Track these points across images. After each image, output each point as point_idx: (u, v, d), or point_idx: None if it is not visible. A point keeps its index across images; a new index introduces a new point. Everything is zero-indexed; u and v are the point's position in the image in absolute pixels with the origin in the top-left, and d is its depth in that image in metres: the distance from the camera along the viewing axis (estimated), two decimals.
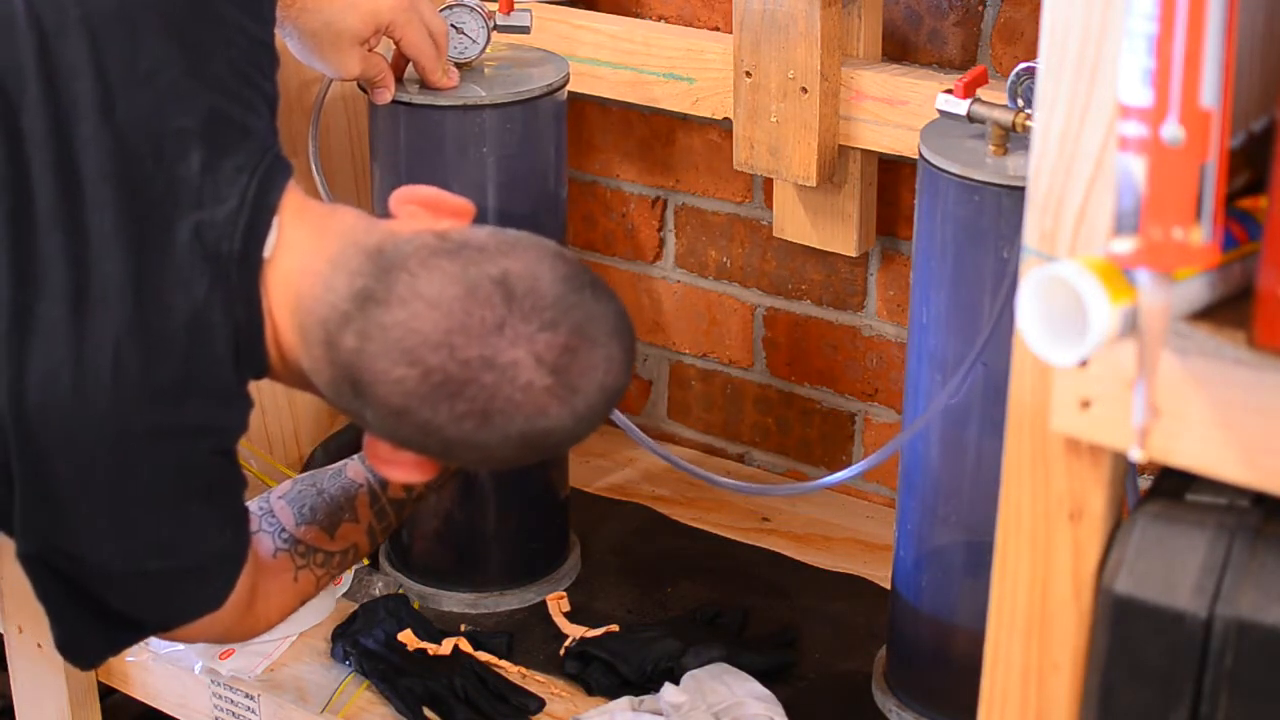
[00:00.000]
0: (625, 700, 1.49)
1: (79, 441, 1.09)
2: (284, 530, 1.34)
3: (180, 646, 1.58)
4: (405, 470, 1.20)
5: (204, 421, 1.14)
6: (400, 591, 1.65)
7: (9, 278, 1.08)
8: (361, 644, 1.56)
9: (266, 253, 1.14)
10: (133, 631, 1.22)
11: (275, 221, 1.15)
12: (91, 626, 1.19)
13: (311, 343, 1.14)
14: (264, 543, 1.34)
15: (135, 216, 1.11)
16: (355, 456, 1.39)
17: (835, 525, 1.80)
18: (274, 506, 1.37)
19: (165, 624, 1.23)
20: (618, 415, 1.45)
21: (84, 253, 1.09)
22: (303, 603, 1.38)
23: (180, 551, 1.17)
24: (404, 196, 1.21)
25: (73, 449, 1.09)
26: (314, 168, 1.57)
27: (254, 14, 1.22)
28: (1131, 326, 0.78)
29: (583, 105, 1.88)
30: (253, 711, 1.54)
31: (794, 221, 1.73)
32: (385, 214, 1.21)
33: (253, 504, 1.37)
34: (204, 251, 1.12)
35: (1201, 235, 0.75)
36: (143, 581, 1.17)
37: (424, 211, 1.19)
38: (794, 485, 1.49)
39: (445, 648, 1.56)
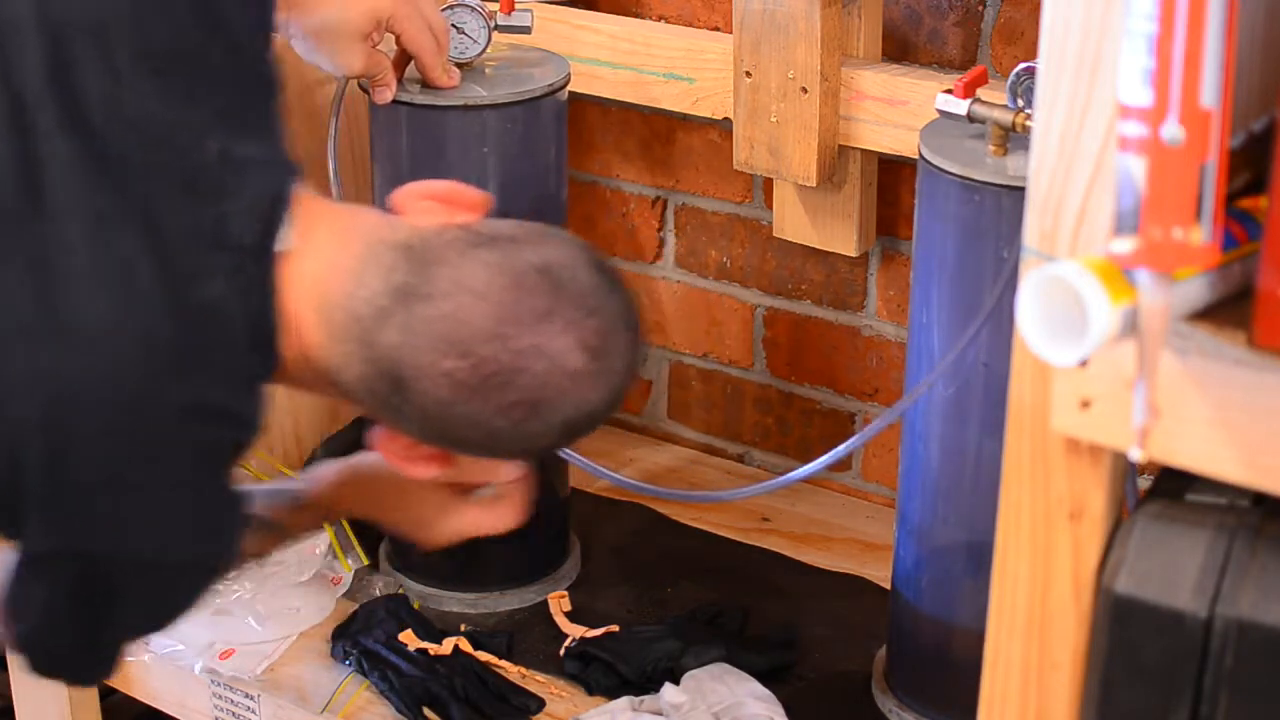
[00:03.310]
0: (625, 700, 1.49)
1: (110, 423, 1.08)
2: None
3: (180, 646, 1.58)
4: (423, 466, 1.22)
5: (226, 404, 1.14)
6: (400, 591, 1.65)
7: (28, 268, 1.08)
8: (361, 644, 1.56)
9: (284, 246, 1.14)
10: (123, 640, 1.22)
11: (290, 215, 1.15)
12: (86, 639, 1.18)
13: (341, 340, 1.14)
14: None
15: (156, 204, 1.11)
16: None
17: (835, 525, 1.80)
18: None
19: (161, 625, 1.22)
20: (581, 460, 1.48)
21: (108, 236, 1.09)
22: None
23: (205, 537, 1.17)
24: (417, 192, 1.22)
25: (104, 431, 1.09)
26: (331, 168, 1.56)
27: (256, 5, 1.23)
28: (1131, 326, 0.78)
29: (583, 105, 1.88)
30: (253, 711, 1.54)
31: (794, 221, 1.73)
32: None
33: None
34: (222, 241, 1.12)
35: (1201, 235, 0.75)
36: (163, 572, 1.16)
37: (440, 206, 1.21)
38: (748, 488, 1.53)
39: (445, 648, 1.56)
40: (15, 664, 1.68)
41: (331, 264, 1.15)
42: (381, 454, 1.23)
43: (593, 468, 1.47)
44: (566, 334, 1.12)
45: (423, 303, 1.12)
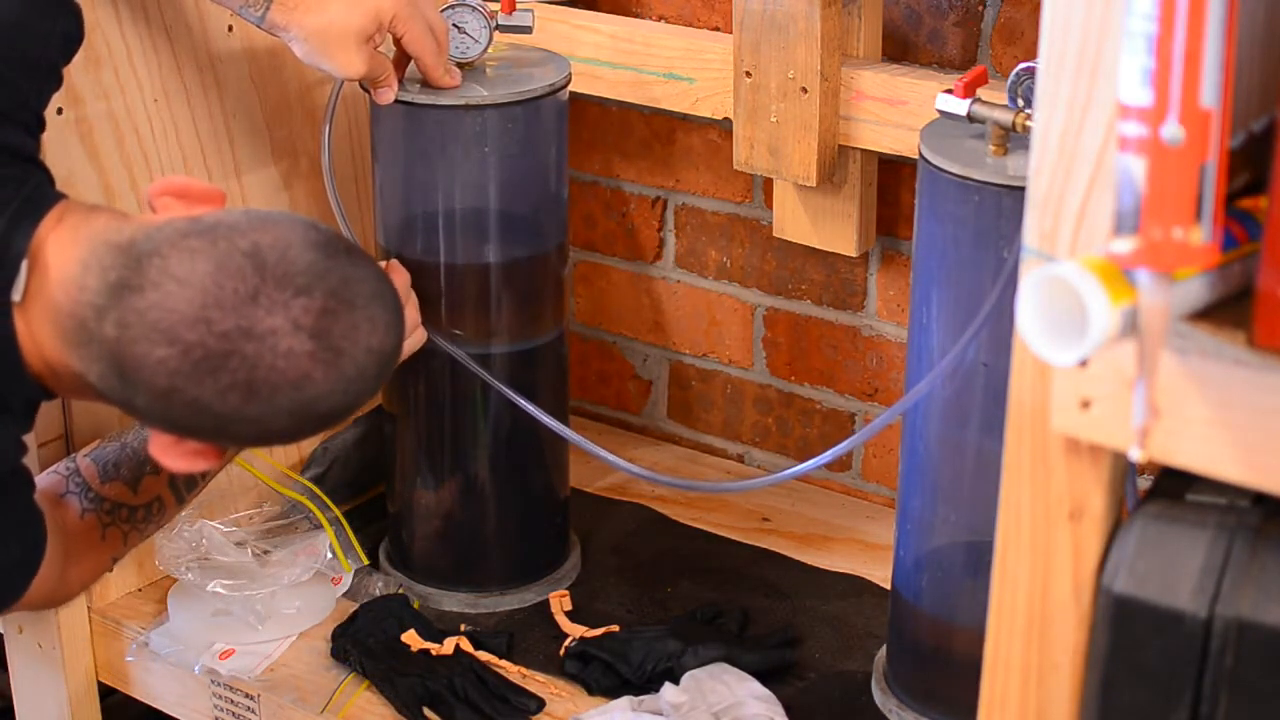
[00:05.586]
0: (625, 700, 1.49)
1: None
2: (90, 490, 1.38)
3: (180, 646, 1.58)
4: (187, 459, 1.22)
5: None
6: (400, 591, 1.65)
7: None
8: (362, 644, 1.56)
9: (15, 297, 1.17)
10: None
11: (24, 266, 1.18)
12: None
13: (74, 344, 1.16)
14: (72, 505, 1.38)
15: None
16: None
17: (835, 525, 1.80)
18: (80, 465, 1.41)
19: None
20: (592, 446, 1.48)
21: None
22: (115, 560, 1.43)
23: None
24: (157, 189, 1.23)
25: None
26: (325, 172, 1.56)
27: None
28: (1131, 326, 0.78)
29: (583, 105, 1.88)
30: (253, 711, 1.54)
31: (794, 221, 1.73)
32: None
33: (60, 465, 1.43)
34: None
35: (1201, 235, 0.75)
36: None
37: (177, 201, 1.22)
38: (745, 482, 1.55)
39: (446, 648, 1.56)
40: (15, 664, 1.68)
41: (57, 276, 1.17)
42: (151, 450, 1.23)
43: (603, 455, 1.47)
44: (274, 315, 1.12)
45: (134, 295, 1.13)
